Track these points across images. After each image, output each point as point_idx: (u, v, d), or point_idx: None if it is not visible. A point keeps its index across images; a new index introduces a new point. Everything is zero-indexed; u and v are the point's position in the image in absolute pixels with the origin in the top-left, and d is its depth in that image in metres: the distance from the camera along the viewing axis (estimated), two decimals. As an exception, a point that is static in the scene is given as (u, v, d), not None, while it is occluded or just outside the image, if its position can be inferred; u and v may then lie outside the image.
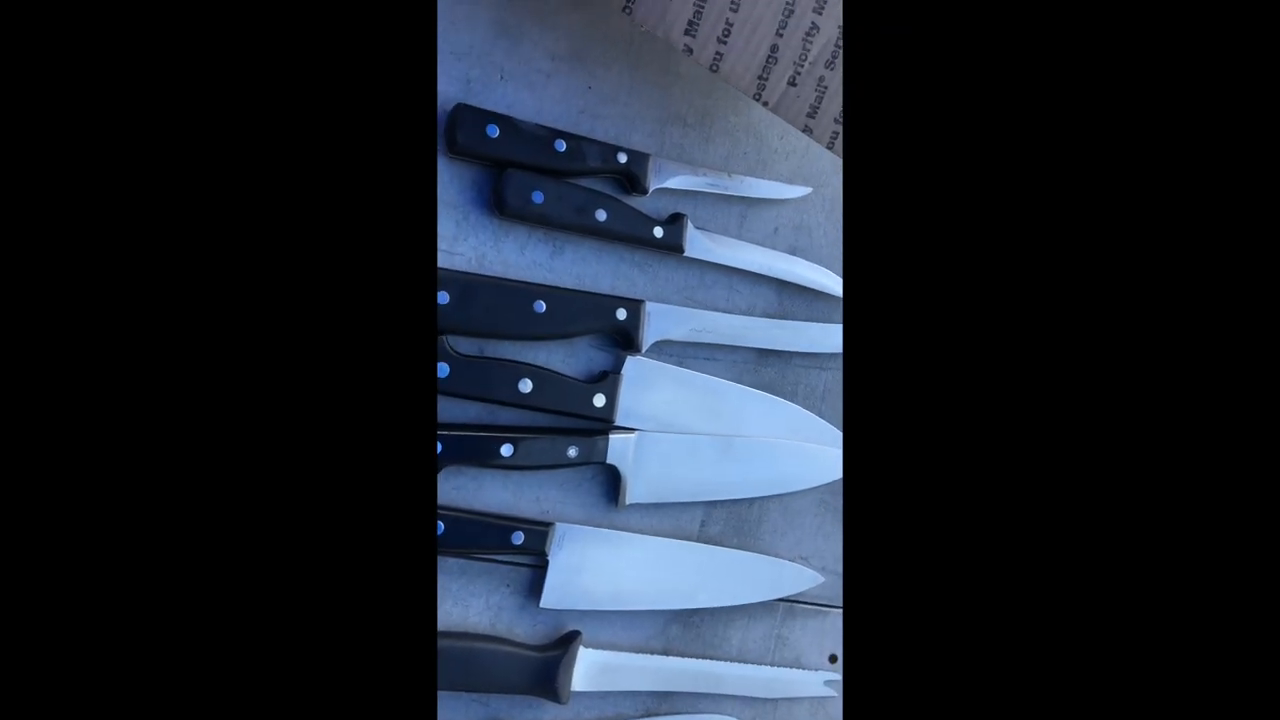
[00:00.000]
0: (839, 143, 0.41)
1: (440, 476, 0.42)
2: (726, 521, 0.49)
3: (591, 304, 0.44)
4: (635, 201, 0.46)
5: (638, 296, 0.46)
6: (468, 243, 0.43)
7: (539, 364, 0.44)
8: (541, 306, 0.42)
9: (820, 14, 0.39)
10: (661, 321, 0.46)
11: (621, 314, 0.44)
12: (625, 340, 0.45)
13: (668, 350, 0.47)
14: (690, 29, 0.38)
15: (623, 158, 0.45)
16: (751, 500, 0.49)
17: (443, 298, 0.41)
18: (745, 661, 0.49)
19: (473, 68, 0.43)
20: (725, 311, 0.48)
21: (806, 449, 0.49)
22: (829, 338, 0.49)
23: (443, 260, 0.42)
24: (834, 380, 0.51)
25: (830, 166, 0.49)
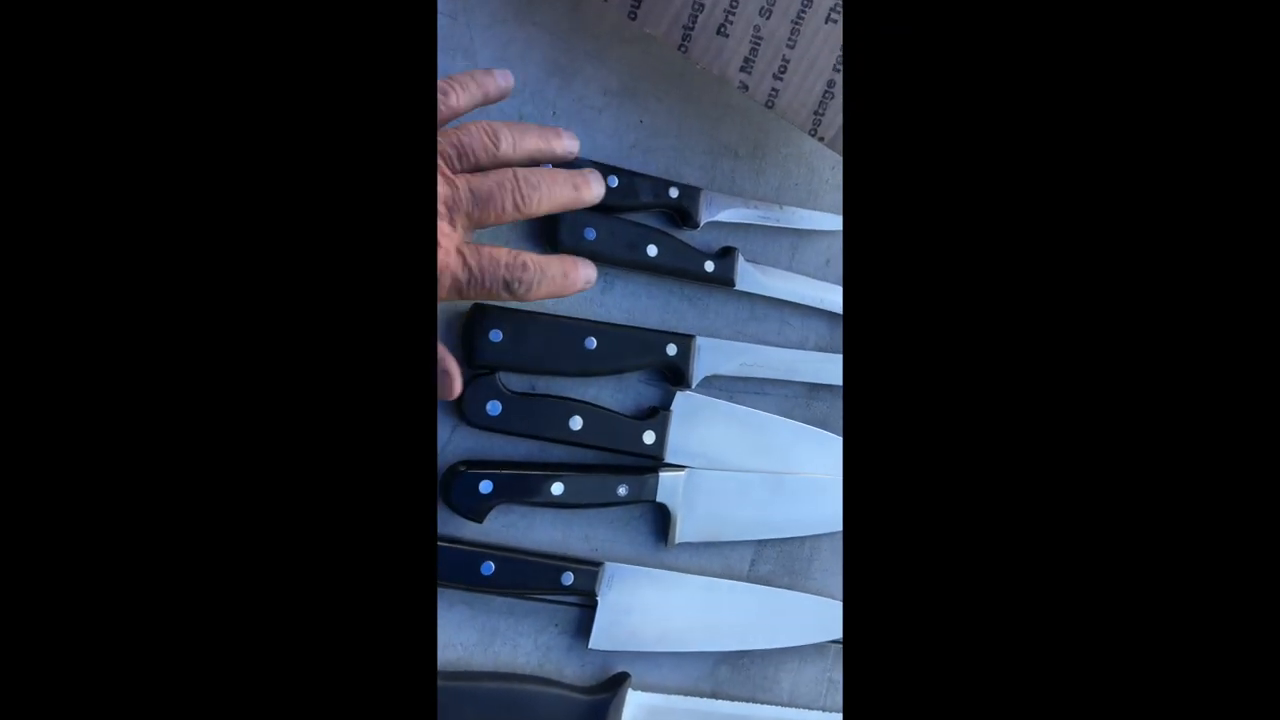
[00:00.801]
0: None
1: (491, 515, 0.42)
2: (777, 560, 0.48)
3: (642, 340, 0.43)
4: (686, 235, 0.45)
5: (688, 331, 0.45)
6: (519, 279, 0.43)
7: (589, 400, 0.43)
8: (593, 343, 0.42)
9: (879, 48, 0.38)
10: (711, 356, 0.45)
11: (672, 349, 0.44)
12: (675, 376, 0.44)
13: (718, 385, 0.46)
14: (746, 66, 0.37)
15: (674, 192, 0.44)
16: (803, 539, 0.48)
17: (495, 335, 0.40)
18: (797, 706, 0.48)
19: (525, 105, 0.43)
20: (777, 345, 0.47)
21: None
22: None
23: (494, 296, 0.42)
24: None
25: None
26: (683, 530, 0.44)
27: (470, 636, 0.42)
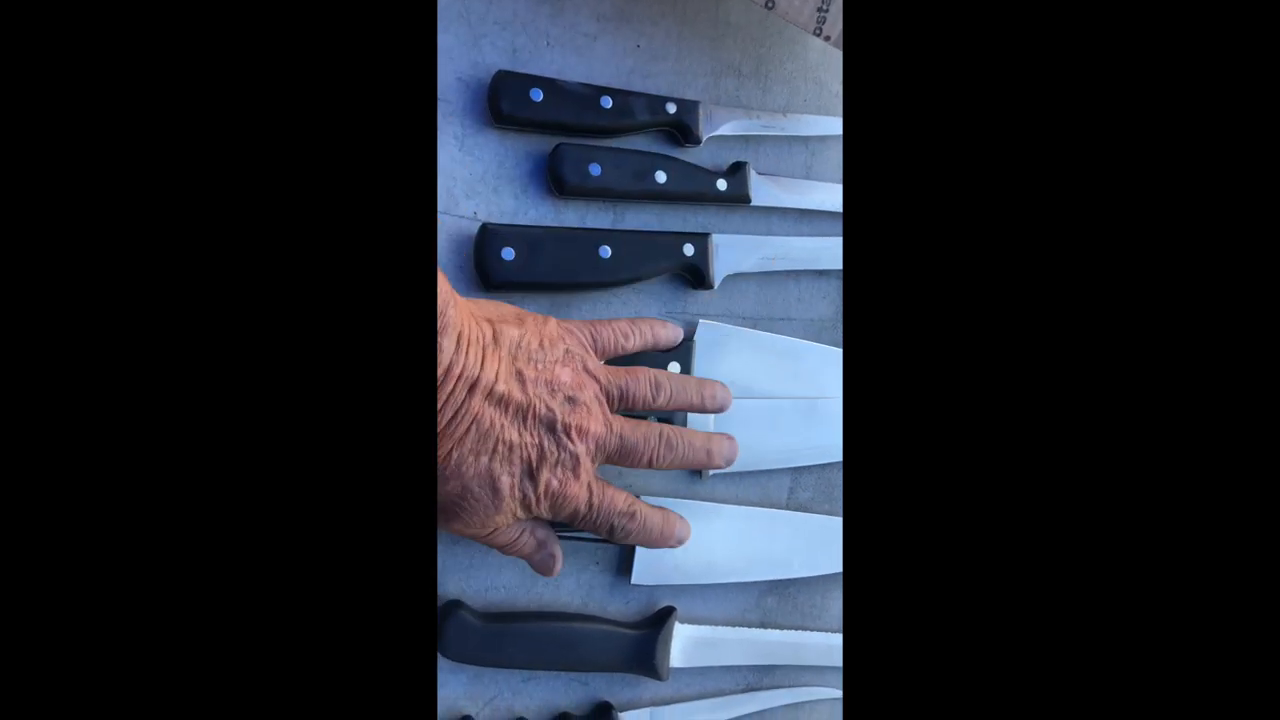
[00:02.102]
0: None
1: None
2: (816, 487, 0.47)
3: (658, 243, 0.42)
4: (691, 154, 0.44)
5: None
6: (528, 216, 0.42)
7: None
8: (607, 252, 0.41)
9: (880, -67, 0.36)
10: (730, 253, 0.44)
11: (689, 250, 0.42)
12: (696, 277, 0.43)
13: (741, 291, 0.45)
14: (741, -35, 0.36)
15: (671, 108, 0.43)
16: (838, 465, 0.47)
17: (508, 254, 0.40)
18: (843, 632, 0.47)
19: (518, 36, 0.42)
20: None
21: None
22: None
23: (504, 238, 0.42)
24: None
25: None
26: (716, 461, 0.44)
27: (512, 578, 0.42)
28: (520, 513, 0.35)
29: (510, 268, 0.40)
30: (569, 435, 0.35)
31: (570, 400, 0.35)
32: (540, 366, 0.35)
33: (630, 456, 0.37)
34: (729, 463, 0.41)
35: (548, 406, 0.34)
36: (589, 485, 0.37)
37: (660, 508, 0.40)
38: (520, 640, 0.41)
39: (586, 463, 0.36)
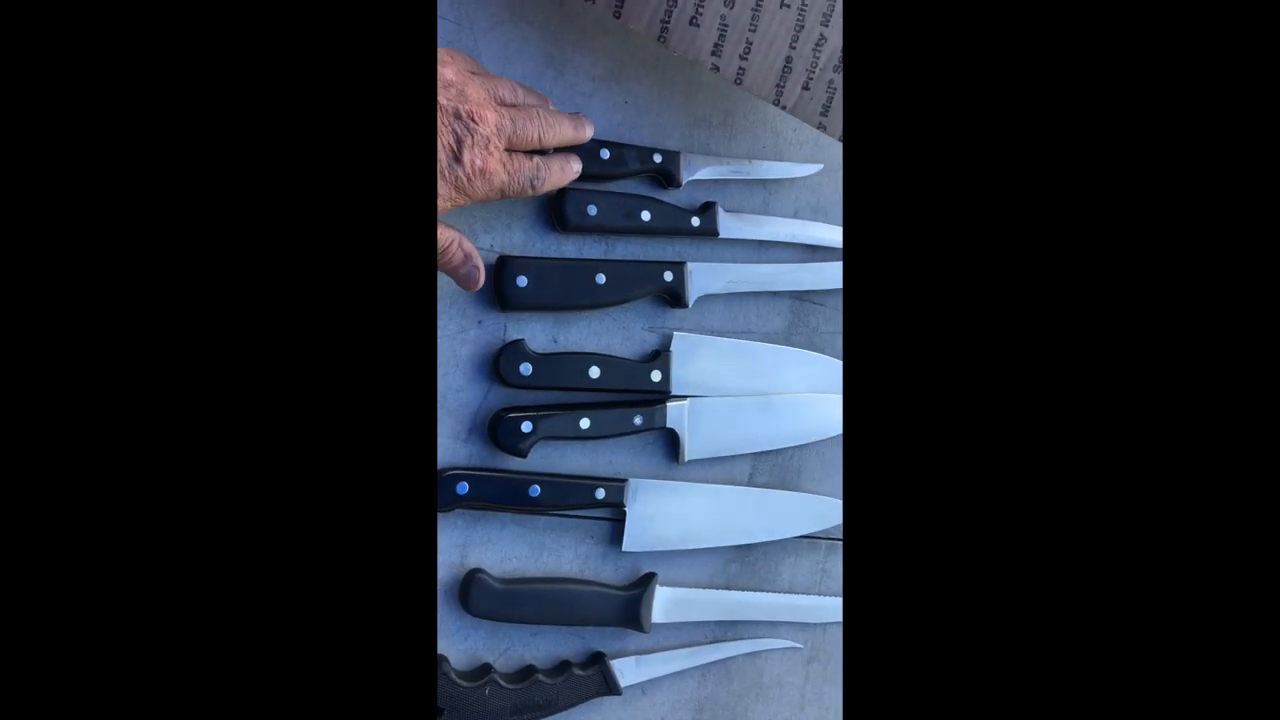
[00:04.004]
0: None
1: (532, 450, 0.49)
2: (771, 471, 0.56)
3: (642, 270, 0.51)
4: (672, 195, 0.52)
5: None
6: (535, 249, 0.50)
7: (603, 351, 0.51)
8: (602, 279, 0.49)
9: (827, 26, 0.45)
10: (702, 278, 0.52)
11: (669, 276, 0.51)
12: (674, 298, 0.51)
13: (711, 309, 0.54)
14: (716, 50, 0.44)
15: (658, 158, 0.51)
16: (792, 449, 0.56)
17: (521, 281, 0.48)
18: (796, 593, 0.56)
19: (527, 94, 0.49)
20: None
21: (836, 400, 0.56)
22: None
23: (514, 264, 0.49)
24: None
25: (840, 155, 0.55)
26: (690, 449, 0.52)
27: (522, 551, 0.50)
28: (456, 196, 0.42)
29: (523, 293, 0.48)
30: (473, 120, 0.41)
31: (461, 93, 0.41)
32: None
33: (523, 137, 0.44)
34: (577, 173, 0.47)
35: (448, 99, 0.41)
36: (502, 160, 0.42)
37: (556, 156, 0.46)
38: (529, 600, 0.49)
39: (495, 140, 0.42)
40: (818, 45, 0.45)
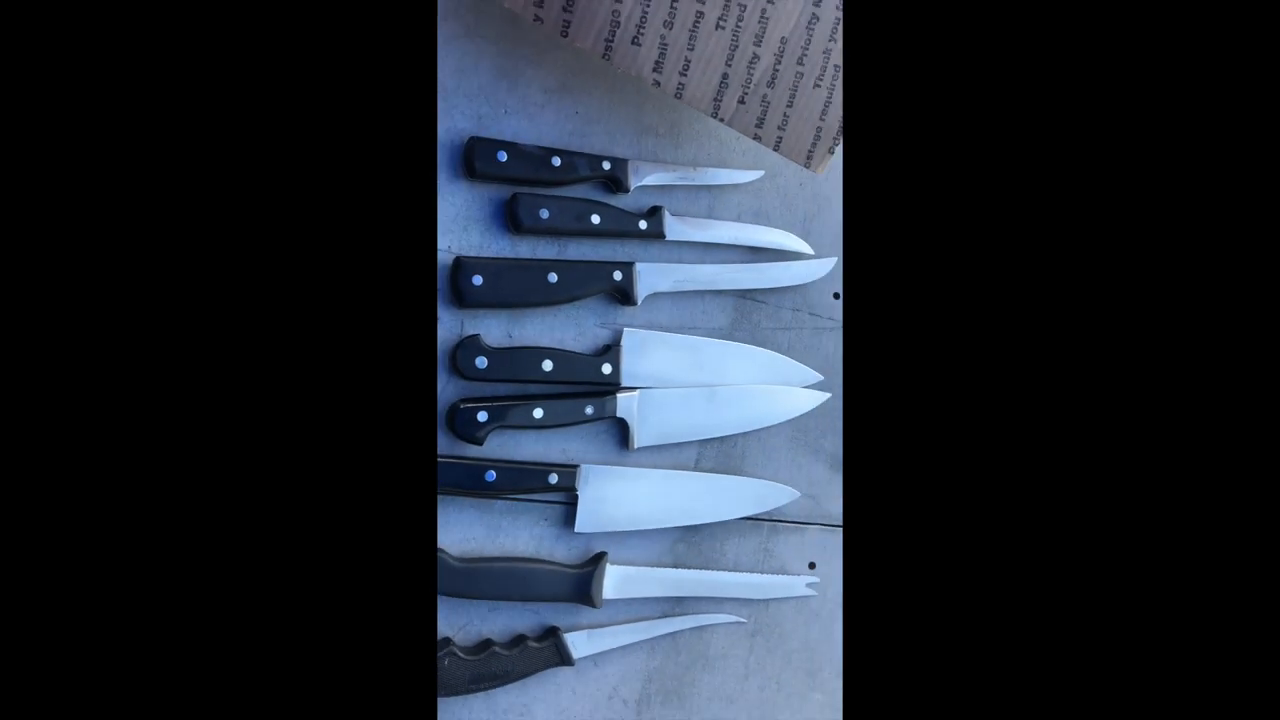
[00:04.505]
0: (784, 145, 0.51)
1: (489, 438, 0.53)
2: (716, 458, 0.60)
3: (593, 270, 0.54)
4: (620, 200, 0.56)
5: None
6: (491, 250, 0.53)
7: (556, 346, 0.54)
8: (554, 277, 0.52)
9: (759, 46, 0.48)
10: (650, 277, 0.56)
11: (618, 275, 0.54)
12: (623, 296, 0.55)
13: (659, 306, 0.57)
14: (657, 67, 0.48)
15: (607, 165, 0.55)
16: (735, 436, 0.60)
17: (477, 280, 0.51)
18: (740, 571, 0.60)
19: (482, 106, 0.52)
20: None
21: (777, 391, 0.60)
22: (789, 272, 0.59)
23: (472, 265, 0.53)
24: (801, 320, 0.62)
25: (780, 161, 0.59)
26: (639, 438, 0.56)
27: (480, 532, 0.54)
28: None
29: (479, 291, 0.51)
30: None
31: None
32: None
33: None
34: None
35: None
36: None
37: None
38: (487, 578, 0.52)
39: None
40: (751, 63, 0.49)
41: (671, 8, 0.46)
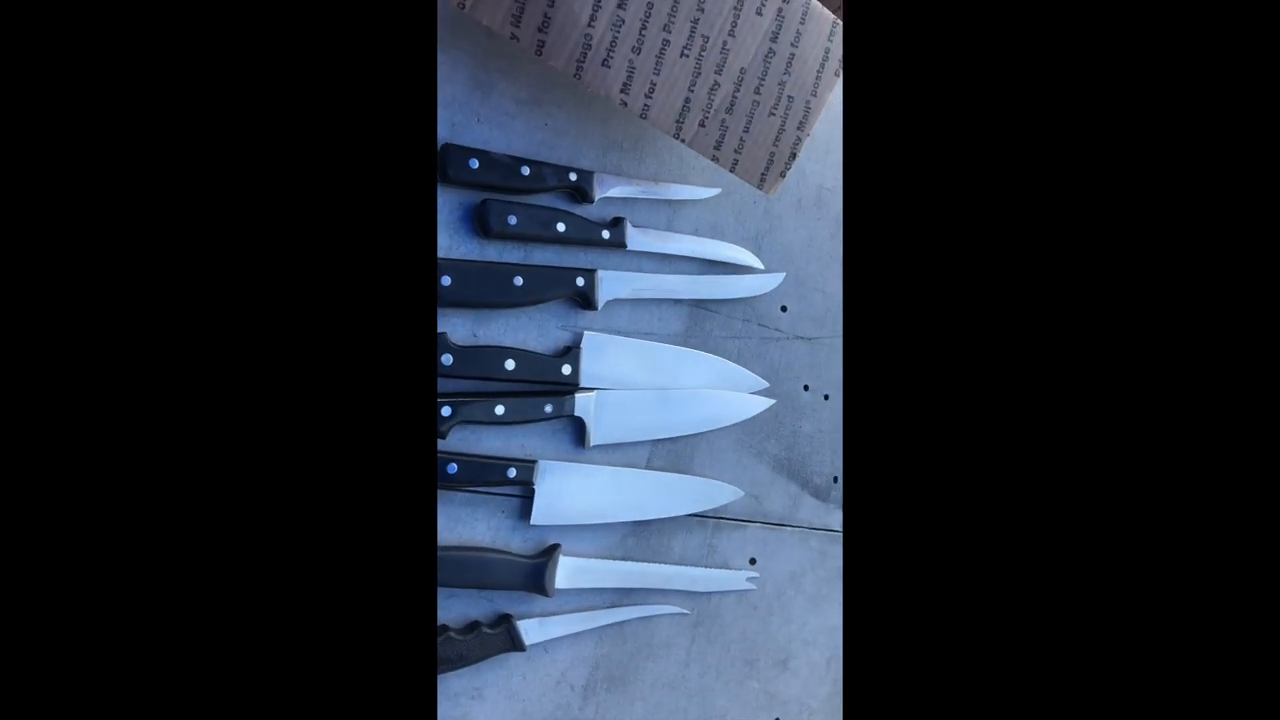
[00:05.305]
0: (739, 167, 0.55)
1: (451, 432, 0.55)
2: (666, 457, 0.63)
3: (557, 275, 0.57)
4: (585, 210, 0.59)
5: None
6: (460, 252, 0.56)
7: (519, 346, 0.57)
8: (520, 281, 0.55)
9: (720, 74, 0.52)
10: (611, 284, 0.59)
11: (580, 281, 0.57)
12: (585, 301, 0.58)
13: (618, 312, 0.60)
14: (625, 89, 0.51)
15: (573, 176, 0.57)
16: (685, 437, 0.63)
17: (446, 280, 0.53)
18: (685, 564, 0.64)
19: (455, 114, 0.55)
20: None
21: (726, 396, 0.63)
22: (740, 285, 0.63)
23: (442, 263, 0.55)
24: (750, 330, 0.66)
25: (735, 181, 0.63)
26: (595, 436, 0.59)
27: (440, 522, 0.56)
28: None
29: (447, 291, 0.53)
30: None
31: None
32: None
33: None
34: None
35: None
36: None
37: None
38: (445, 566, 0.55)
39: None
40: (712, 90, 0.52)
41: (640, 35, 0.49)
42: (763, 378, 0.65)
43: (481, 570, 0.55)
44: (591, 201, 0.58)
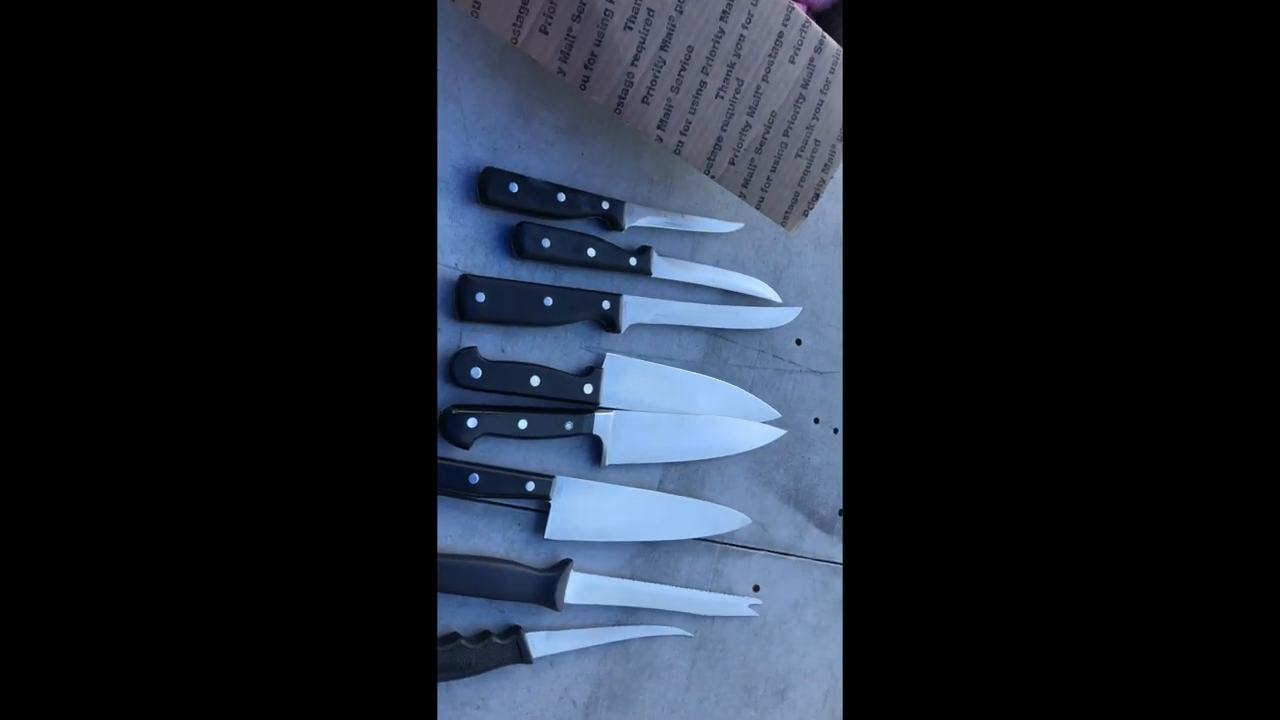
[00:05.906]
0: (765, 204, 0.57)
1: (475, 443, 0.57)
2: (678, 480, 0.65)
3: (584, 298, 0.59)
4: (614, 237, 0.61)
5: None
6: (494, 271, 0.58)
7: (544, 363, 0.59)
8: (549, 301, 0.57)
9: (752, 116, 0.55)
10: (635, 309, 0.61)
11: (606, 305, 0.60)
12: (609, 324, 0.60)
13: (640, 336, 0.63)
14: (661, 125, 0.53)
15: (606, 205, 0.60)
16: (698, 462, 0.65)
17: (480, 297, 0.55)
18: (690, 587, 0.65)
19: (498, 139, 0.57)
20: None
21: (738, 423, 0.65)
22: (758, 317, 0.66)
23: (474, 282, 0.57)
24: (765, 361, 0.68)
25: (758, 217, 0.66)
26: (611, 455, 0.61)
27: (457, 530, 0.57)
28: None
29: (480, 307, 0.55)
30: None
31: None
32: None
33: None
34: None
35: None
36: None
37: None
38: (458, 574, 0.56)
39: None
40: (744, 130, 0.55)
41: (680, 75, 0.52)
42: (775, 408, 0.67)
43: (495, 580, 0.57)
44: (621, 230, 0.61)
